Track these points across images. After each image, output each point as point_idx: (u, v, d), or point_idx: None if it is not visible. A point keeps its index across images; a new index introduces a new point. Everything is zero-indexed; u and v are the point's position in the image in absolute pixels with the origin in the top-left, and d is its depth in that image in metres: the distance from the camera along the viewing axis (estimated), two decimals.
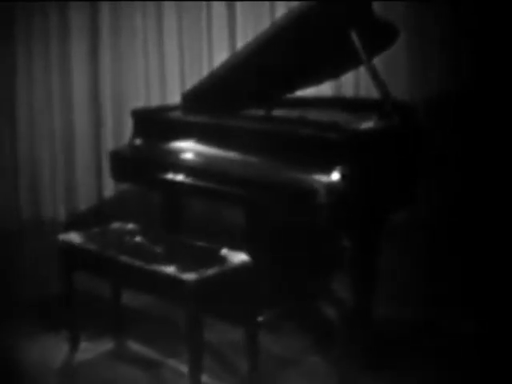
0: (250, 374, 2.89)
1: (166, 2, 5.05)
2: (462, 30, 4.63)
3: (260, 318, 3.08)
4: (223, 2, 5.01)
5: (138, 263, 2.80)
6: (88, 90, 5.15)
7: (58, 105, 5.15)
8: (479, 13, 4.54)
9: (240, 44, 4.87)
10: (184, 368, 2.88)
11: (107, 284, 3.26)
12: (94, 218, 4.84)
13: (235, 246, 2.94)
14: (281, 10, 4.84)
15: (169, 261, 2.76)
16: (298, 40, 3.29)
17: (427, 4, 4.67)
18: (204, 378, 2.75)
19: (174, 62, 5.10)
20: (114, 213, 4.48)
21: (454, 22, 4.64)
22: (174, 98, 4.86)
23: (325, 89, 4.41)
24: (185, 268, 2.68)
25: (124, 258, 2.85)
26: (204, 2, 5.02)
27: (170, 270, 2.69)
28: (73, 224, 4.44)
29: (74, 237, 3.15)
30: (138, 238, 3.07)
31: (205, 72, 4.88)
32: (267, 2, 4.95)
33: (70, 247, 3.12)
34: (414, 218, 4.47)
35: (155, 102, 5.04)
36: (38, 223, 5.18)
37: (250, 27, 4.93)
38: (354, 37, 3.21)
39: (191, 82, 4.76)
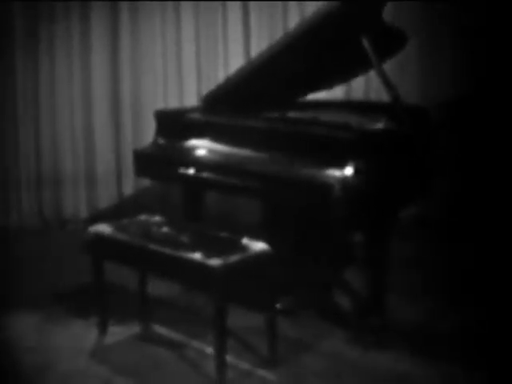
0: (269, 355, 3.09)
1: (183, 5, 5.22)
2: (473, 32, 4.72)
3: (278, 305, 3.27)
4: (238, 5, 5.17)
5: (166, 251, 3.00)
6: (108, 91, 5.33)
7: (79, 106, 5.33)
8: (491, 14, 4.64)
9: (254, 46, 5.09)
10: (208, 348, 3.12)
11: (132, 275, 3.45)
12: (115, 214, 5.02)
13: (251, 237, 3.13)
14: (293, 14, 5.05)
15: (195, 248, 2.96)
16: (317, 42, 3.49)
17: (437, 6, 4.79)
18: (227, 357, 2.95)
19: (190, 65, 5.26)
20: (134, 210, 4.66)
21: (465, 23, 4.74)
22: (191, 99, 5.10)
23: (335, 92, 4.62)
24: (210, 255, 2.88)
25: (153, 246, 3.06)
26: (220, 5, 5.19)
27: (197, 256, 2.90)
28: (94, 221, 4.60)
29: (104, 228, 3.35)
30: (164, 229, 3.28)
31: (220, 74, 5.09)
32: (280, 4, 5.13)
33: (100, 237, 3.32)
34: (421, 215, 4.64)
35: (173, 103, 5.22)
36: (60, 221, 5.39)
37: (264, 27, 5.12)
38: (366, 42, 3.42)
39: (207, 83, 5.01)
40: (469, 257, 4.35)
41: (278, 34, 4.68)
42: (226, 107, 3.84)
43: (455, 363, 3.06)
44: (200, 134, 3.76)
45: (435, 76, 4.93)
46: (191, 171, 3.65)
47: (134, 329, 3.44)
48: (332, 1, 3.35)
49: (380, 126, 3.39)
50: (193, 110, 4.10)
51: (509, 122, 4.69)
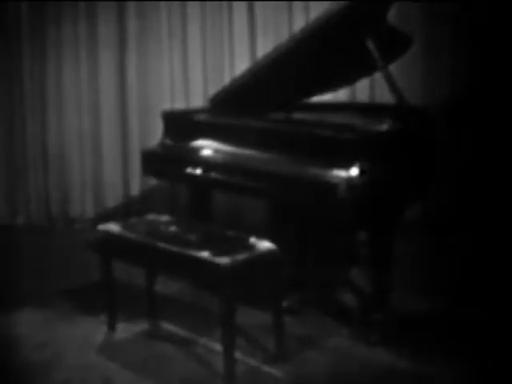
0: (276, 352, 3.15)
1: (189, 10, 5.25)
2: (476, 33, 4.73)
3: (284, 303, 3.32)
4: (243, 6, 5.19)
5: (174, 249, 3.06)
6: (115, 92, 5.36)
7: (87, 106, 5.38)
8: (491, 14, 4.64)
9: (260, 48, 5.10)
10: (216, 345, 3.16)
11: (140, 273, 3.51)
12: (122, 214, 5.08)
13: (258, 236, 3.18)
14: (299, 16, 5.08)
15: (203, 247, 3.01)
16: (323, 43, 3.54)
17: (437, 6, 4.80)
18: (236, 354, 2.99)
19: (197, 67, 5.29)
20: (141, 209, 4.72)
21: (468, 24, 4.75)
22: (197, 101, 5.14)
23: (340, 94, 4.67)
24: (218, 253, 2.93)
25: (162, 245, 3.11)
26: (225, 6, 5.22)
27: (205, 254, 2.95)
28: (101, 220, 4.65)
29: (113, 227, 3.40)
30: (172, 228, 3.33)
31: (226, 75, 5.13)
32: (285, 6, 5.14)
33: (109, 236, 3.37)
34: (424, 214, 4.68)
35: (179, 104, 5.24)
36: (67, 220, 5.45)
37: (270, 29, 5.13)
38: (371, 44, 3.47)
39: (213, 85, 5.04)
40: (470, 256, 4.39)
41: (284, 35, 4.71)
42: (233, 108, 3.89)
43: (457, 362, 3.10)
44: (207, 135, 3.81)
45: (436, 77, 4.96)
46: (198, 171, 3.70)
47: (142, 326, 3.49)
48: (340, 0, 3.40)
49: (384, 127, 3.43)
50: (200, 110, 4.16)
51: (510, 122, 4.72)
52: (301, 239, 3.72)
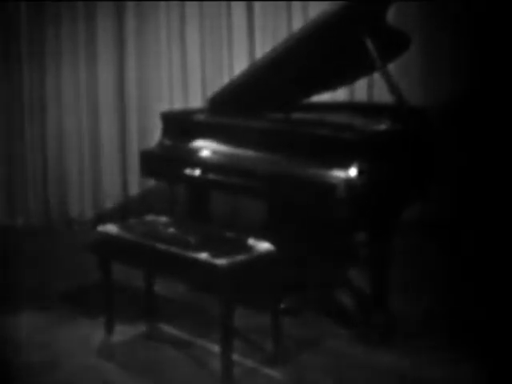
0: (273, 353, 3.13)
1: (188, 10, 5.25)
2: (476, 33, 4.74)
3: (282, 304, 3.31)
4: (242, 8, 5.20)
5: (174, 250, 3.04)
6: (114, 92, 5.36)
7: (85, 107, 5.37)
8: (494, 16, 4.66)
9: (258, 49, 5.10)
10: (213, 347, 3.15)
11: (138, 274, 3.49)
12: (120, 215, 5.08)
13: (256, 237, 3.17)
14: (298, 17, 5.08)
15: (201, 248, 3.00)
16: (322, 43, 3.53)
17: (440, 6, 4.81)
18: (233, 356, 2.97)
19: (195, 67, 5.29)
20: (139, 210, 4.71)
21: (468, 24, 4.77)
22: (196, 101, 5.14)
23: (339, 94, 4.66)
24: (217, 254, 2.92)
25: (160, 246, 3.09)
26: (224, 9, 5.22)
27: (203, 256, 2.93)
28: (100, 221, 4.65)
29: (111, 228, 3.39)
30: (170, 229, 3.32)
31: (225, 76, 5.12)
32: (284, 7, 5.15)
33: (107, 237, 3.35)
34: (423, 214, 4.68)
35: (178, 104, 5.25)
36: (66, 221, 5.43)
37: (269, 31, 5.14)
38: (370, 44, 3.46)
39: (212, 86, 5.03)
40: (470, 256, 4.38)
41: (283, 36, 4.69)
42: (232, 108, 3.88)
43: (456, 362, 3.09)
44: (206, 135, 3.80)
45: (436, 77, 4.95)
46: (197, 172, 3.69)
47: (141, 328, 3.47)
48: (339, 0, 3.39)
49: (383, 127, 3.42)
50: (199, 111, 4.15)
51: (510, 121, 4.71)
52: (300, 239, 3.71)
